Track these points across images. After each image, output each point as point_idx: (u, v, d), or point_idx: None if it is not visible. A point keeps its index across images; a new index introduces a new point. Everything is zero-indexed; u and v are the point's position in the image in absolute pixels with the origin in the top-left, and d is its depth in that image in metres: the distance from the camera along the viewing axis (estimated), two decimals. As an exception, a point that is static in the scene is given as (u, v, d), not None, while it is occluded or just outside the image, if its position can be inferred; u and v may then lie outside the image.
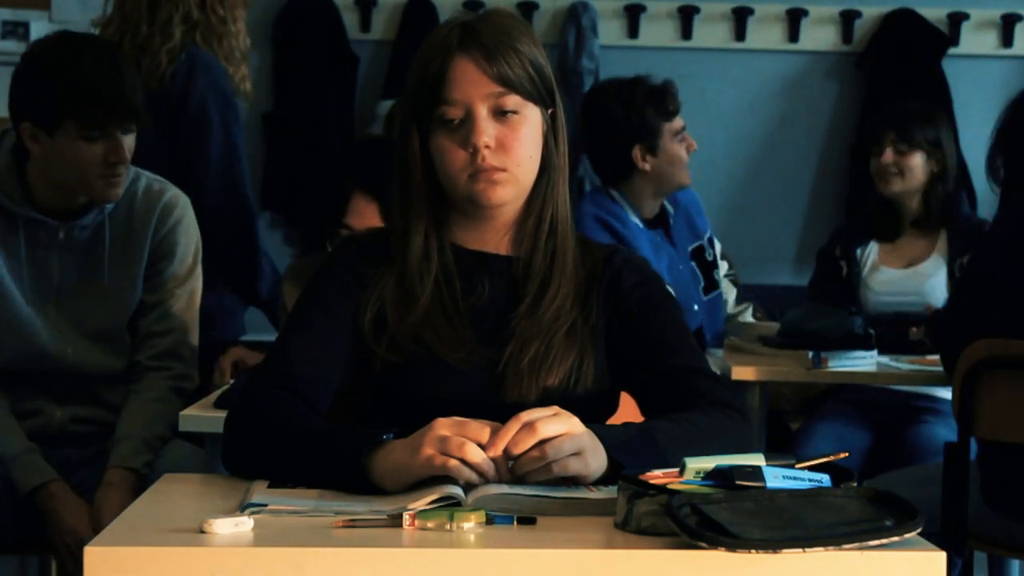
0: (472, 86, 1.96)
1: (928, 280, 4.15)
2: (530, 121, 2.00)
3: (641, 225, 4.05)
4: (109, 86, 2.83)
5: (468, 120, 1.97)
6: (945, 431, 3.91)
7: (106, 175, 2.87)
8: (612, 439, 1.77)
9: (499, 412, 1.78)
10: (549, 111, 2.04)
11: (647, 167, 4.03)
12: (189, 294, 3.04)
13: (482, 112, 1.97)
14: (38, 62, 2.88)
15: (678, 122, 4.04)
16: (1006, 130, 3.35)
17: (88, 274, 2.97)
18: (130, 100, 2.85)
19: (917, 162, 4.19)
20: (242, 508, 1.65)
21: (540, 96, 2.01)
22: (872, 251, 4.24)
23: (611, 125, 4.04)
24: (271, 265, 3.87)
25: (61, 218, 2.93)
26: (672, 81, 4.07)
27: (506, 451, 1.70)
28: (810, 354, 3.58)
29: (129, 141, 2.89)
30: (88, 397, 3.01)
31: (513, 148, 1.98)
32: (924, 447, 3.89)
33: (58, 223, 2.92)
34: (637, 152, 4.03)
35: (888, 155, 4.18)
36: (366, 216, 3.00)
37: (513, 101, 1.98)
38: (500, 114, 1.97)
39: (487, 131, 1.96)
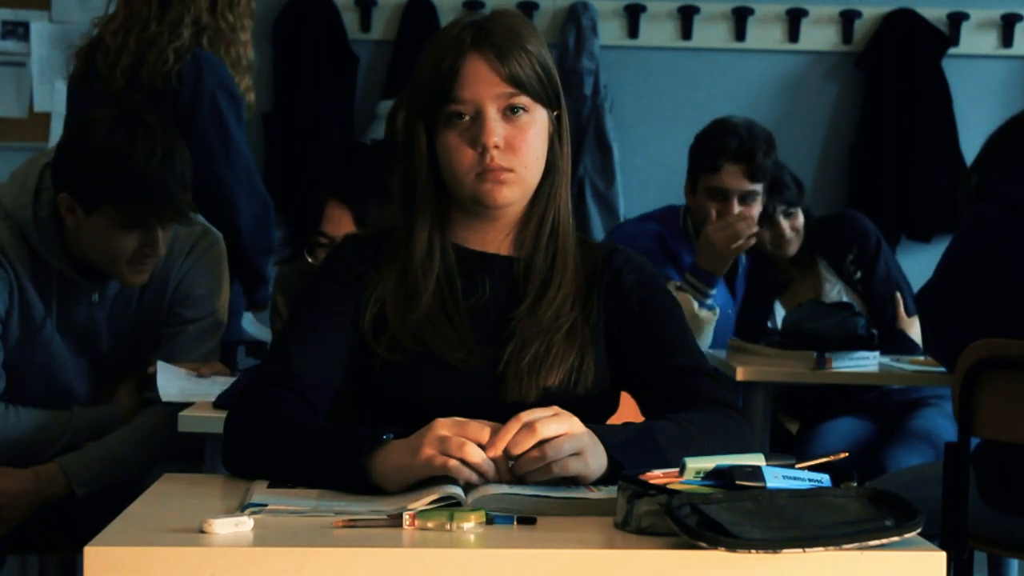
0: (483, 85, 1.96)
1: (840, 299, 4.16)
2: (538, 122, 2.00)
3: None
4: (158, 182, 2.77)
5: (478, 119, 1.97)
6: (943, 418, 3.94)
7: (135, 263, 2.85)
8: (612, 439, 1.77)
9: (499, 412, 1.78)
10: (554, 113, 2.04)
11: (689, 203, 4.04)
12: (208, 333, 3.03)
13: (492, 112, 1.97)
14: (90, 139, 2.80)
15: (716, 181, 3.91)
16: (989, 154, 3.35)
17: (117, 327, 2.98)
18: (177, 199, 2.80)
19: (801, 218, 4.22)
20: (242, 508, 1.65)
21: (548, 97, 2.01)
22: (778, 312, 4.23)
23: (690, 148, 4.07)
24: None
25: (95, 278, 2.92)
26: (743, 143, 3.93)
27: (506, 451, 1.70)
28: (814, 355, 3.58)
29: (167, 234, 2.86)
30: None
31: (521, 149, 1.98)
32: (927, 430, 3.92)
33: (91, 284, 2.92)
34: (687, 183, 4.04)
35: (785, 227, 4.18)
36: (342, 224, 2.98)
37: (523, 102, 1.98)
38: (509, 114, 1.98)
39: (497, 131, 1.96)
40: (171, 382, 2.89)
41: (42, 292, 2.93)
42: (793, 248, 4.22)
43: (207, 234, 3.05)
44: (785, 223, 4.17)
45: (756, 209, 4.00)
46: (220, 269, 3.07)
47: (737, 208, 3.91)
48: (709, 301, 3.85)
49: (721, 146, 3.92)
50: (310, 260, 3.03)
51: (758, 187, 3.94)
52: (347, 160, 3.07)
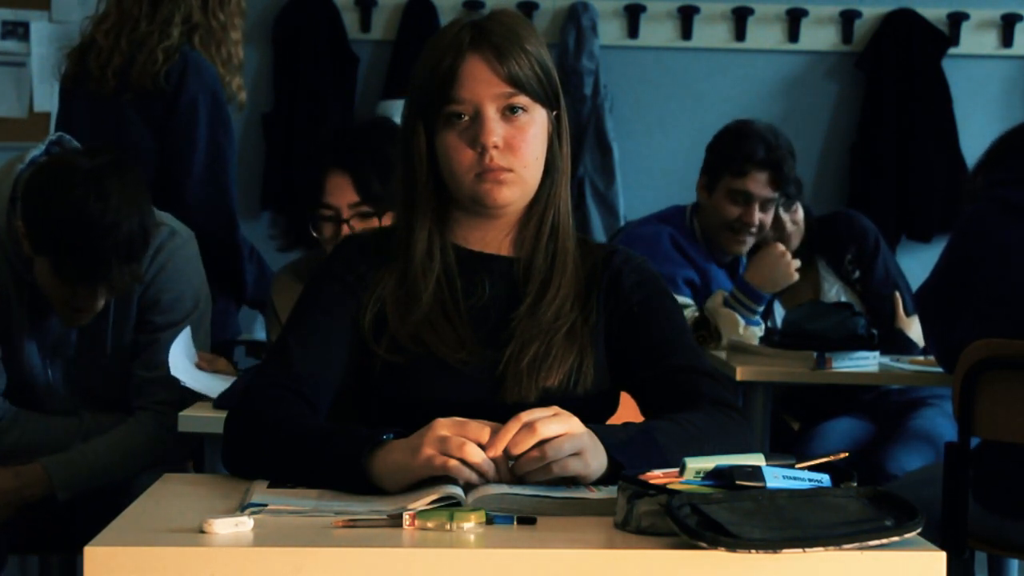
0: (482, 85, 1.96)
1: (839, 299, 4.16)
2: (537, 122, 2.00)
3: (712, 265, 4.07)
4: (95, 250, 2.70)
5: (477, 119, 1.97)
6: (943, 418, 3.93)
7: (73, 310, 2.83)
8: (612, 439, 1.77)
9: (499, 413, 1.78)
10: (554, 112, 2.04)
11: (702, 201, 4.07)
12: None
13: (491, 112, 1.97)
14: (52, 187, 2.74)
15: (741, 185, 3.99)
16: (994, 156, 3.35)
17: (89, 337, 2.96)
18: (114, 272, 2.74)
19: (800, 212, 4.21)
20: (242, 508, 1.65)
21: (547, 97, 2.01)
22: (777, 312, 4.23)
23: (709, 145, 4.09)
24: (264, 265, 3.85)
25: None
26: (772, 152, 3.97)
27: (506, 451, 1.70)
28: (814, 355, 3.58)
29: (103, 297, 2.81)
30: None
31: (520, 149, 1.98)
32: (927, 430, 3.92)
33: None
34: (702, 180, 4.06)
35: (786, 220, 4.17)
36: (344, 192, 2.98)
37: (522, 102, 1.98)
38: (508, 115, 1.98)
39: (496, 131, 1.96)
40: (181, 359, 2.86)
41: (18, 300, 2.92)
42: (794, 242, 4.22)
43: (173, 236, 2.96)
44: (786, 216, 4.18)
45: (771, 215, 4.06)
46: (190, 271, 3.00)
47: (758, 214, 3.97)
48: (755, 318, 3.87)
49: (750, 151, 3.97)
50: (315, 235, 3.02)
51: (777, 195, 4.00)
52: (343, 132, 3.08)
